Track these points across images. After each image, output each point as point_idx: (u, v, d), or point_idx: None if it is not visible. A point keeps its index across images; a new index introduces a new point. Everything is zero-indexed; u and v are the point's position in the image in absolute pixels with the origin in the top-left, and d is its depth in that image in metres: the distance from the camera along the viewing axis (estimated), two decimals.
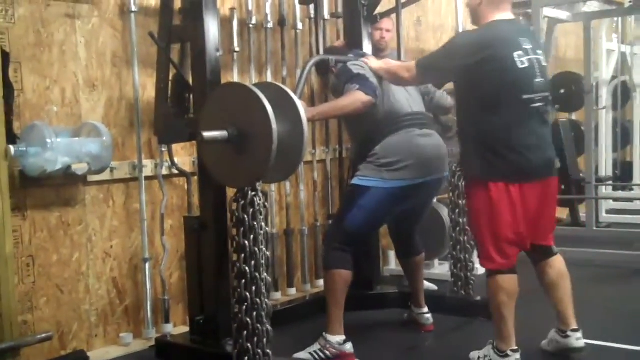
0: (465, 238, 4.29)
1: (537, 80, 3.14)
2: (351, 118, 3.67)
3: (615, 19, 7.61)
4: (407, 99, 3.68)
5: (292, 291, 4.70)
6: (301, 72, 3.53)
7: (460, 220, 4.29)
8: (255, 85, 2.94)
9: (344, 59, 3.72)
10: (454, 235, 4.32)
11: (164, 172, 3.90)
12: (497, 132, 3.13)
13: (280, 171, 3.01)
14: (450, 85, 3.75)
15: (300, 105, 2.90)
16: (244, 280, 3.02)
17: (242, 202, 3.01)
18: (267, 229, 3.13)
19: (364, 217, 3.54)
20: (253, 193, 3.01)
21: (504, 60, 3.09)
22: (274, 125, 2.75)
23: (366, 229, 3.65)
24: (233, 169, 2.96)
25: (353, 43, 4.20)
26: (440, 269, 5.17)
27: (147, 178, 3.83)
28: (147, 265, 3.80)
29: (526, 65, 3.11)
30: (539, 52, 3.21)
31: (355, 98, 3.44)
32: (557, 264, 3.39)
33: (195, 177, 3.80)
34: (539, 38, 3.30)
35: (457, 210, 4.29)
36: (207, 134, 2.84)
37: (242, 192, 3.01)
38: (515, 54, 3.10)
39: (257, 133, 2.81)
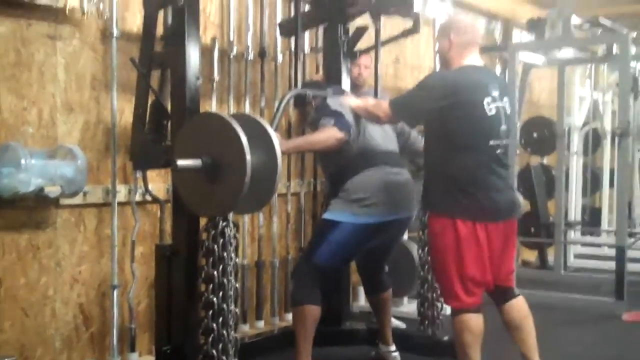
0: (434, 277, 4.29)
1: (502, 127, 3.25)
2: (325, 153, 3.70)
3: (589, 65, 7.75)
4: (382, 137, 3.72)
5: (261, 324, 4.65)
6: (279, 104, 3.55)
7: (429, 258, 4.29)
8: (232, 115, 2.94)
9: (322, 93, 3.75)
10: (422, 273, 4.31)
11: (138, 198, 3.86)
12: (466, 173, 3.20)
13: (253, 202, 3.01)
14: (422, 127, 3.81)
15: (275, 138, 2.91)
16: (211, 311, 3.01)
17: (213, 232, 3.01)
18: (237, 260, 3.12)
19: (333, 251, 3.54)
20: (224, 223, 3.00)
21: (474, 107, 3.18)
22: (248, 157, 2.75)
23: (335, 263, 3.64)
24: (205, 198, 2.95)
25: (331, 78, 4.22)
26: (409, 306, 5.17)
27: (120, 203, 3.79)
28: (115, 292, 3.74)
29: (494, 112, 3.21)
30: (505, 98, 3.30)
31: (330, 134, 3.47)
32: (520, 306, 3.41)
33: (169, 205, 3.78)
34: (507, 84, 3.36)
35: (426, 248, 4.30)
36: (180, 162, 2.83)
37: (213, 221, 3.00)
38: (485, 101, 3.19)
39: (231, 163, 2.81)
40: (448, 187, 3.22)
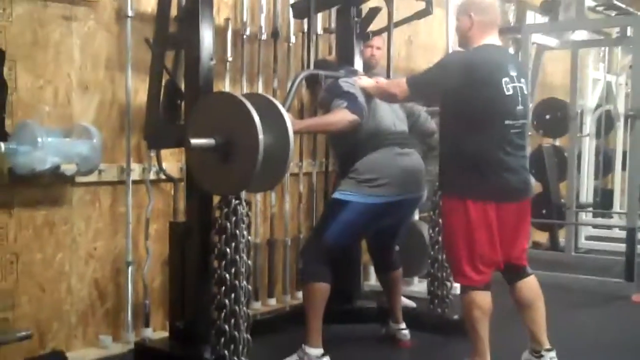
0: (444, 256, 4.34)
1: (518, 107, 3.24)
2: (335, 133, 3.73)
3: (603, 48, 7.72)
4: (392, 118, 3.74)
5: (272, 301, 4.72)
6: (291, 84, 3.58)
7: (440, 238, 4.33)
8: (244, 95, 2.97)
9: (335, 74, 3.77)
10: (432, 253, 4.36)
11: (152, 176, 3.92)
12: (479, 153, 3.21)
13: (265, 181, 3.05)
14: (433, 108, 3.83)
15: (288, 117, 2.94)
16: (223, 288, 3.06)
17: (225, 209, 3.05)
18: (249, 238, 3.17)
19: (342, 230, 3.59)
20: (237, 201, 3.05)
21: (493, 86, 3.18)
22: (261, 136, 2.78)
23: (344, 242, 3.68)
24: (218, 177, 2.99)
25: (344, 59, 4.24)
26: (420, 286, 5.21)
27: (135, 182, 3.85)
28: (129, 268, 3.81)
29: (511, 92, 3.21)
30: (522, 80, 3.31)
31: (342, 116, 3.49)
32: (532, 285, 3.45)
33: (182, 183, 3.84)
34: (523, 65, 3.36)
35: (437, 229, 4.34)
36: (194, 141, 2.87)
37: (226, 200, 3.05)
38: (503, 80, 3.20)
39: (244, 143, 2.84)
40: (461, 168, 3.24)
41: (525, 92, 3.30)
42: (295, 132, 3.05)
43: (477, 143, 3.20)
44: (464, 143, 3.23)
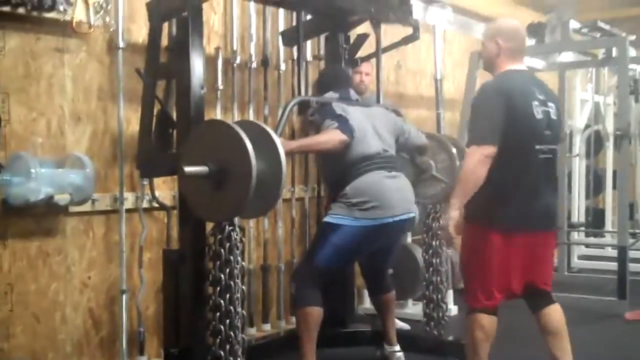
0: (438, 279, 4.37)
1: (546, 132, 3.23)
2: (325, 158, 3.78)
3: (590, 69, 7.81)
4: (380, 143, 3.79)
5: (267, 327, 4.73)
6: (282, 111, 3.63)
7: (434, 260, 4.37)
8: (236, 122, 3.01)
9: (326, 100, 3.82)
10: (427, 275, 4.39)
11: (145, 205, 3.95)
12: (507, 180, 3.17)
13: (258, 207, 3.07)
14: (424, 123, 3.85)
15: (280, 145, 2.97)
16: (218, 314, 3.08)
17: (219, 236, 3.08)
18: (243, 263, 3.20)
19: (334, 254, 3.63)
20: (230, 228, 3.08)
21: (524, 109, 3.16)
22: (254, 162, 2.81)
23: (336, 266, 3.72)
24: (212, 204, 3.02)
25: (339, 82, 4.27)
26: (414, 309, 5.23)
27: (128, 211, 3.88)
28: (124, 296, 3.82)
29: (541, 116, 3.20)
30: (550, 104, 3.28)
31: (332, 136, 3.55)
32: (558, 312, 3.41)
33: (175, 211, 3.86)
34: (550, 90, 3.38)
35: (431, 251, 4.37)
36: (187, 169, 2.90)
37: (220, 226, 3.08)
38: (533, 104, 3.19)
39: (237, 170, 2.87)
40: (486, 195, 3.15)
41: (554, 116, 3.27)
42: (287, 153, 3.08)
43: (506, 170, 3.15)
44: (493, 169, 3.13)
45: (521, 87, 3.23)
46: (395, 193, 3.70)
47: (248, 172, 2.81)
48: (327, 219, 3.69)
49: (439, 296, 4.37)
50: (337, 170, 3.73)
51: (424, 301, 4.43)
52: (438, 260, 4.36)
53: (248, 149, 2.82)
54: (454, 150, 4.29)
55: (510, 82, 3.23)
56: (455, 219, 3.16)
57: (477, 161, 3.10)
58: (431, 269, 4.38)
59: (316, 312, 3.58)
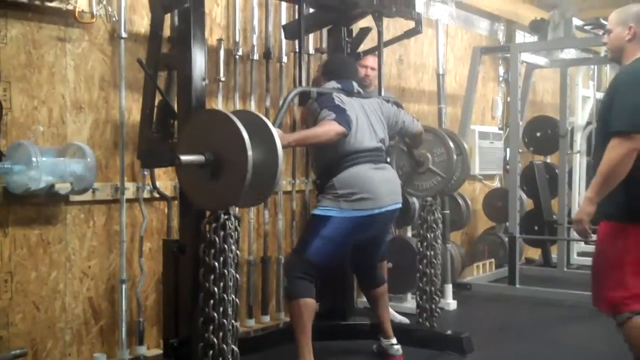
0: (432, 271, 4.37)
1: None
2: (317, 147, 3.78)
3: (592, 66, 7.80)
4: (371, 137, 3.80)
5: (266, 319, 4.74)
6: (282, 102, 3.63)
7: (428, 252, 4.37)
8: (233, 112, 3.01)
9: (327, 90, 3.82)
10: (420, 267, 4.39)
11: (145, 195, 3.96)
12: None
13: (254, 196, 3.07)
14: (426, 117, 3.84)
15: (277, 134, 2.97)
16: (212, 301, 3.08)
17: (214, 224, 3.08)
18: (239, 253, 3.19)
19: (324, 246, 3.64)
20: (225, 216, 3.08)
21: None
22: (249, 152, 2.81)
23: (326, 258, 3.71)
24: (208, 193, 3.01)
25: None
26: (413, 302, 5.23)
27: (128, 200, 3.89)
28: (123, 286, 3.84)
29: None
30: None
31: (330, 128, 3.56)
32: None
33: (176, 201, 3.87)
34: None
35: (425, 243, 4.38)
36: (184, 158, 2.89)
37: (215, 214, 3.08)
38: None
39: (233, 159, 2.87)
40: (621, 189, 2.94)
41: None
42: (285, 146, 3.09)
43: None
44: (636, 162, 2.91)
45: None
46: (381, 184, 3.73)
47: (244, 161, 2.80)
48: (315, 211, 3.72)
49: (432, 288, 4.37)
50: (327, 160, 3.75)
51: (417, 293, 4.43)
52: (432, 252, 4.37)
53: (244, 138, 2.82)
54: (451, 144, 4.30)
55: None
56: (591, 215, 2.98)
57: (625, 155, 2.86)
58: (425, 261, 4.38)
59: (309, 304, 3.59)
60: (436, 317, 4.37)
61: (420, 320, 4.39)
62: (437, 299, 4.37)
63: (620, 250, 2.99)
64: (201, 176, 2.97)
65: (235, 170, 2.85)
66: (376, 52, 4.49)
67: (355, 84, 3.96)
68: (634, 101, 2.88)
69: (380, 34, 4.36)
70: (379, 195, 3.70)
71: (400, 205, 3.90)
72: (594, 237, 3.17)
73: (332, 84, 3.87)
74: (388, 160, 4.05)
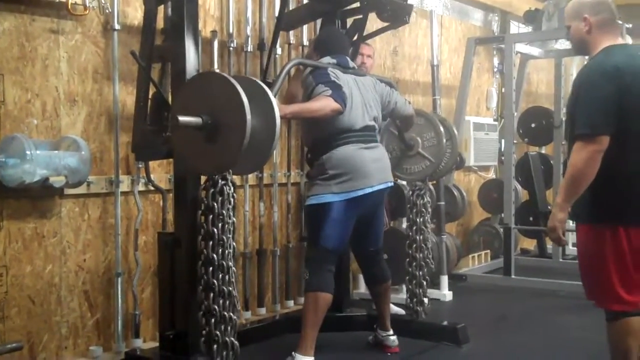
0: (421, 255, 4.37)
1: None
2: (310, 122, 3.78)
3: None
4: (366, 115, 3.80)
5: (262, 311, 4.74)
6: (279, 72, 3.60)
7: (417, 237, 4.37)
8: (233, 77, 2.98)
9: (323, 65, 3.79)
10: (410, 252, 4.39)
11: (140, 187, 3.95)
12: (626, 168, 2.85)
13: (250, 163, 3.09)
14: (420, 108, 3.82)
15: (275, 100, 2.98)
16: (211, 268, 3.12)
17: (212, 190, 3.08)
18: (234, 219, 3.20)
19: (332, 230, 3.68)
20: (223, 182, 3.08)
21: (636, 89, 2.81)
22: (249, 116, 2.80)
23: (339, 240, 3.74)
24: (204, 156, 3.01)
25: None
26: None
27: (123, 193, 3.88)
28: (119, 279, 3.83)
29: None
30: None
31: (326, 103, 3.55)
32: None
33: (171, 194, 3.86)
34: None
35: (414, 228, 4.37)
36: (182, 119, 2.87)
37: (212, 180, 3.07)
38: None
39: (231, 123, 2.85)
40: (603, 188, 2.83)
41: None
42: (280, 117, 3.06)
43: (621, 156, 2.81)
44: (608, 162, 2.79)
45: (629, 64, 2.84)
46: (372, 164, 3.74)
47: (242, 126, 2.79)
48: (310, 201, 3.72)
49: (421, 273, 4.37)
50: (319, 136, 3.76)
51: (407, 277, 4.43)
52: (422, 236, 4.37)
53: (243, 102, 2.81)
54: (442, 129, 4.31)
55: (614, 61, 2.83)
56: (564, 222, 2.87)
57: (588, 158, 2.75)
58: (414, 246, 4.38)
59: (327, 299, 3.64)
60: (425, 301, 4.38)
61: (411, 305, 4.40)
62: (425, 284, 4.37)
63: (600, 253, 2.89)
64: (197, 139, 2.94)
65: (234, 134, 2.83)
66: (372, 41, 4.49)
67: (349, 60, 3.95)
68: (594, 102, 2.79)
69: (364, 21, 4.39)
70: (369, 175, 3.71)
71: (391, 184, 3.91)
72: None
73: (327, 59, 3.84)
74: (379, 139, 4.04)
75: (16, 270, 3.46)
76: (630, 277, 2.87)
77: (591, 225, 2.93)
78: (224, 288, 3.11)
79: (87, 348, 3.76)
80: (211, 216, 3.11)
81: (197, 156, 3.03)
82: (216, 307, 3.08)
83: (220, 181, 3.09)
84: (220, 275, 3.13)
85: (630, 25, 6.57)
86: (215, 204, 3.09)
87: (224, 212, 3.09)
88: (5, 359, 3.35)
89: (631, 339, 2.88)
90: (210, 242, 3.13)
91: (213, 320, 3.11)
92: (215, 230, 3.11)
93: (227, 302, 3.14)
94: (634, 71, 2.82)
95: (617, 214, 2.87)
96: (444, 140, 4.30)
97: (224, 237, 3.11)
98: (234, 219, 3.19)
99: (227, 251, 3.13)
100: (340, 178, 3.65)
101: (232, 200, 3.14)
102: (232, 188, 3.14)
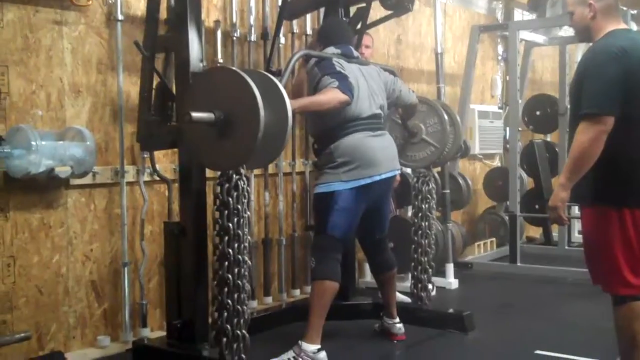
0: (426, 241, 4.38)
1: None
2: (317, 113, 3.77)
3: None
4: (372, 104, 3.79)
5: (269, 300, 4.76)
6: (287, 63, 3.59)
7: (423, 223, 4.38)
8: (243, 71, 2.97)
9: (328, 55, 3.79)
10: (415, 238, 4.41)
11: (146, 178, 3.97)
12: (631, 150, 2.86)
13: (263, 157, 3.08)
14: (420, 89, 3.82)
15: (286, 94, 2.97)
16: (226, 263, 3.12)
17: (227, 185, 3.08)
18: (249, 213, 3.20)
19: (339, 218, 3.67)
20: (237, 177, 3.08)
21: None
22: (262, 112, 2.79)
23: (346, 229, 3.73)
24: (217, 152, 3.00)
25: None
26: None
27: (129, 183, 3.90)
28: (126, 269, 3.85)
29: None
30: None
31: (334, 95, 3.54)
32: None
33: (176, 184, 3.88)
34: None
35: (420, 214, 4.38)
36: (195, 115, 2.85)
37: (227, 175, 3.08)
38: None
39: (244, 118, 2.85)
40: (608, 171, 2.84)
41: None
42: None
43: (626, 139, 2.83)
44: (613, 144, 2.80)
45: (633, 47, 2.85)
46: (379, 151, 3.74)
47: (256, 120, 2.78)
48: (319, 189, 3.71)
49: (426, 259, 4.39)
50: (326, 127, 3.74)
51: (412, 264, 4.44)
52: (427, 223, 4.38)
53: (257, 97, 2.80)
54: (445, 115, 4.31)
55: (620, 44, 2.84)
56: (565, 201, 2.88)
57: (594, 138, 2.76)
58: (420, 232, 4.39)
59: (334, 287, 3.63)
60: (430, 287, 4.40)
61: (415, 290, 4.41)
62: (430, 270, 4.39)
63: (607, 236, 2.88)
64: (209, 135, 2.94)
65: (247, 129, 2.83)
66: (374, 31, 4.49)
67: (353, 49, 3.94)
68: (601, 82, 2.81)
69: (368, 10, 4.39)
70: (378, 162, 3.71)
71: (398, 172, 3.92)
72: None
73: (331, 50, 3.84)
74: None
75: (23, 260, 3.48)
76: (637, 260, 2.87)
77: (596, 208, 2.92)
78: (239, 282, 3.12)
79: (94, 338, 3.79)
80: (226, 211, 3.11)
81: (210, 152, 3.02)
82: (229, 301, 3.09)
83: (234, 176, 3.09)
84: (236, 270, 3.13)
85: (636, 12, 6.57)
86: (230, 199, 3.09)
87: (239, 207, 3.09)
88: (14, 349, 3.38)
89: (638, 323, 2.88)
90: (226, 237, 3.12)
91: (226, 314, 3.12)
92: (231, 225, 3.11)
93: (242, 296, 3.14)
94: (638, 55, 2.84)
95: (623, 196, 2.87)
96: (448, 127, 4.30)
97: (240, 232, 3.11)
98: (249, 213, 3.19)
99: (242, 245, 3.13)
100: (348, 166, 3.65)
101: (246, 194, 3.14)
102: (246, 182, 3.15)
